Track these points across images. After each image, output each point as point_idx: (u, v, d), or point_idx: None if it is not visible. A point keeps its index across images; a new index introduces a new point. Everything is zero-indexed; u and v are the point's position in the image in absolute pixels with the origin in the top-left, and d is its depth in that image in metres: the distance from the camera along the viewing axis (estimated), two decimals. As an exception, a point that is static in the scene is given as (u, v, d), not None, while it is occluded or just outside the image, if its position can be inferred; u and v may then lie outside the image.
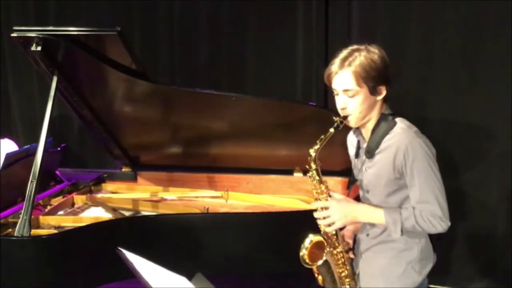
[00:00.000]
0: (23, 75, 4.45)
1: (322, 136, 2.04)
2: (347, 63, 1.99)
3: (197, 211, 2.99)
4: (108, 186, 3.50)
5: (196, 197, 3.31)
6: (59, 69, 2.83)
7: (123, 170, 3.55)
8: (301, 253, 2.05)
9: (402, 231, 2.00)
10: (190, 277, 1.83)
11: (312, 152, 2.06)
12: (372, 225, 2.12)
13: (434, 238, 2.16)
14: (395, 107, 3.59)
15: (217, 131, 3.23)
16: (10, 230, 2.72)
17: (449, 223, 2.00)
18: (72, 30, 2.72)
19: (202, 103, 3.09)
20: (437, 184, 2.00)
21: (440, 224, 1.98)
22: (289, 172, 3.28)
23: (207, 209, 3.03)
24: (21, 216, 2.58)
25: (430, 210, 1.97)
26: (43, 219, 2.88)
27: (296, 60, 3.79)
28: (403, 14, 3.50)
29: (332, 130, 2.03)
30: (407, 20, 3.50)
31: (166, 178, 3.46)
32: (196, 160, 3.43)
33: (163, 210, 3.05)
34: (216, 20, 3.92)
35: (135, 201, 3.15)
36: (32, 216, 2.62)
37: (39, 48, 2.68)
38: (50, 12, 4.26)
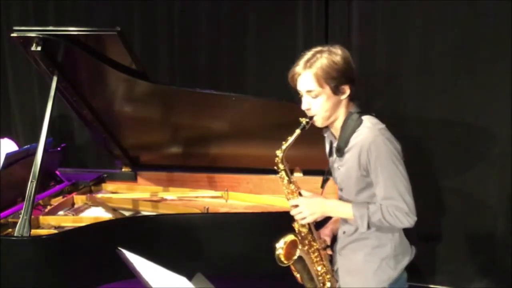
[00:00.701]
0: (23, 75, 4.45)
1: (289, 137, 2.10)
2: (308, 64, 2.05)
3: (197, 211, 2.99)
4: (108, 186, 3.50)
5: (196, 197, 3.31)
6: (59, 69, 2.83)
7: (123, 170, 3.56)
8: (277, 253, 2.09)
9: (368, 225, 2.05)
10: (190, 277, 1.83)
11: (279, 153, 2.14)
12: (347, 222, 2.16)
13: (414, 234, 2.21)
14: (395, 106, 3.62)
15: (217, 131, 3.23)
16: (10, 230, 2.72)
17: (415, 218, 2.03)
18: (72, 30, 2.72)
19: (202, 103, 3.09)
20: (401, 180, 2.02)
21: (406, 219, 2.01)
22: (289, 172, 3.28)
23: (207, 209, 3.03)
24: (21, 216, 2.58)
25: (395, 206, 2.01)
26: (43, 219, 2.88)
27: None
28: (403, 14, 3.50)
29: (298, 131, 2.10)
30: (407, 20, 3.50)
31: (166, 178, 3.46)
32: (196, 160, 3.43)
33: (163, 210, 3.05)
34: (216, 20, 3.92)
35: (135, 201, 3.15)
36: (32, 216, 2.62)
37: (39, 48, 2.68)
38: (50, 12, 4.27)
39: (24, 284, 2.53)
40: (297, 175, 3.27)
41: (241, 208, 3.18)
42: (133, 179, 3.53)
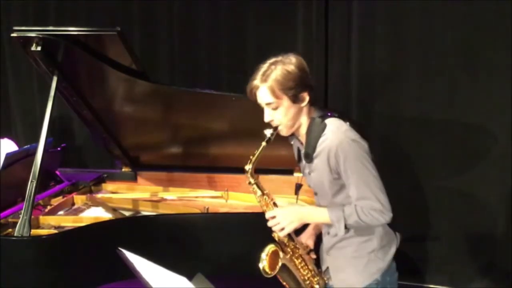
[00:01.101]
0: (23, 75, 4.45)
1: (256, 151, 2.13)
2: (264, 77, 2.06)
3: (197, 211, 2.99)
4: (108, 186, 3.50)
5: (196, 197, 3.31)
6: (59, 69, 2.83)
7: (123, 170, 3.55)
8: (261, 266, 2.10)
9: (346, 227, 2.07)
10: (190, 277, 1.83)
11: (247, 167, 2.18)
12: (328, 224, 2.17)
13: (393, 227, 2.22)
14: (394, 106, 3.62)
15: (217, 131, 3.22)
16: (10, 230, 2.72)
17: (391, 214, 2.05)
18: (72, 30, 2.73)
19: (202, 103, 3.09)
20: (371, 179, 2.03)
21: (382, 216, 2.04)
22: (289, 172, 3.28)
23: (207, 209, 3.04)
24: (21, 216, 2.58)
25: (370, 205, 2.03)
26: (43, 219, 2.88)
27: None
28: (403, 14, 3.50)
29: (264, 143, 2.13)
30: (407, 20, 3.50)
31: (166, 178, 3.46)
32: (196, 160, 3.43)
33: (163, 210, 3.05)
34: (216, 20, 3.92)
35: (135, 201, 3.15)
36: (32, 216, 2.62)
37: (39, 48, 2.68)
38: (50, 12, 4.27)
39: (24, 284, 2.53)
40: (297, 175, 3.27)
41: (241, 208, 3.18)
42: (133, 179, 3.52)
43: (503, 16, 3.29)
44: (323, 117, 2.11)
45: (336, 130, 2.06)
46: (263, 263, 2.10)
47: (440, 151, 3.56)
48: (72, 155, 4.27)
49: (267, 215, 2.16)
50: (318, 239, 2.32)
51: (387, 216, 2.04)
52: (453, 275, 3.66)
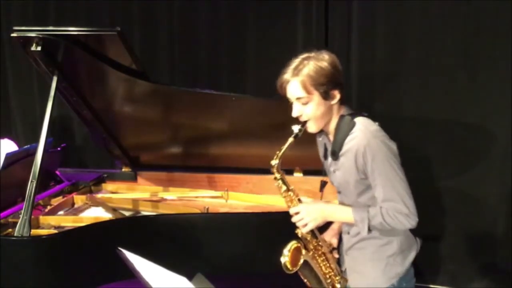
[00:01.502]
0: (23, 75, 4.45)
1: (282, 146, 2.12)
2: (296, 72, 2.04)
3: (197, 211, 2.99)
4: (108, 186, 3.50)
5: (196, 197, 3.31)
6: (59, 69, 2.83)
7: (123, 170, 3.56)
8: (283, 262, 2.09)
9: (369, 228, 2.05)
10: (190, 277, 1.83)
11: (273, 162, 2.15)
12: (351, 223, 2.16)
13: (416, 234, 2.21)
14: (395, 106, 3.62)
15: (217, 131, 3.23)
16: (10, 230, 2.72)
17: (417, 219, 2.03)
18: (72, 30, 2.73)
19: (202, 103, 3.09)
20: (399, 181, 2.01)
21: (407, 220, 2.02)
22: (289, 172, 3.28)
23: (207, 209, 3.04)
24: (21, 216, 2.58)
25: (395, 208, 2.00)
26: (43, 219, 2.88)
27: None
28: (403, 14, 3.50)
29: (291, 139, 2.10)
30: (407, 20, 3.50)
31: (166, 178, 3.46)
32: (196, 160, 3.43)
33: (163, 210, 3.05)
34: (216, 20, 3.92)
35: (135, 201, 3.15)
36: (32, 216, 2.62)
37: (39, 48, 2.68)
38: (50, 12, 4.27)
39: (24, 284, 2.53)
40: (297, 175, 3.27)
41: (241, 208, 3.18)
42: (133, 179, 3.53)
43: (503, 16, 3.29)
44: (353, 115, 2.08)
45: (364, 129, 2.03)
46: (285, 259, 2.08)
47: (440, 151, 3.56)
48: (72, 155, 4.27)
49: (291, 211, 2.15)
50: (341, 239, 2.31)
51: (413, 220, 2.01)
52: (453, 275, 3.66)
